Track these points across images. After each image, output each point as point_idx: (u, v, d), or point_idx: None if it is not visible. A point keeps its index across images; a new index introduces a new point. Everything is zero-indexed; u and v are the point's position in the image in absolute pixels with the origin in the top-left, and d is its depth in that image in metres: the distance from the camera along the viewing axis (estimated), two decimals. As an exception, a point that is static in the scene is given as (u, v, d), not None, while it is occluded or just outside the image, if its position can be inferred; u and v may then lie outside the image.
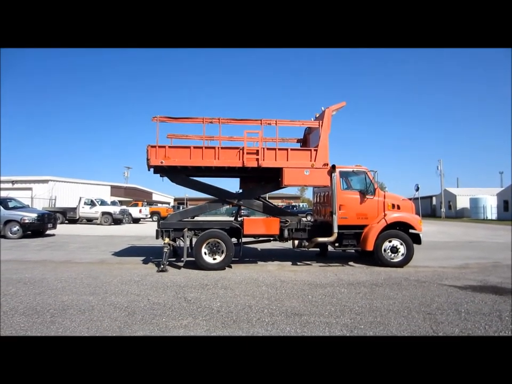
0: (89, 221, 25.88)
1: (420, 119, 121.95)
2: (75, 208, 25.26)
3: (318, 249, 9.71)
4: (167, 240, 7.98)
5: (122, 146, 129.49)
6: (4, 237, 14.03)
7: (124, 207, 28.70)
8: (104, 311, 4.62)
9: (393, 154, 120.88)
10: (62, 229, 18.42)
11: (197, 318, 4.38)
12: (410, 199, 8.87)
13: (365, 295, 5.57)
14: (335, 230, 8.09)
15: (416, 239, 8.39)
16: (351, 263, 8.73)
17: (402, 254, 8.17)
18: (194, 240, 8.12)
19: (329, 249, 9.79)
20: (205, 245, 7.82)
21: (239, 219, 8.92)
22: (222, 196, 8.78)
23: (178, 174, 8.56)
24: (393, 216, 8.32)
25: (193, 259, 7.83)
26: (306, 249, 8.93)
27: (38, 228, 15.02)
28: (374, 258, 8.32)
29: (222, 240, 7.85)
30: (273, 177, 8.55)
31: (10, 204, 15.64)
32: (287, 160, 8.02)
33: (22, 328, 3.94)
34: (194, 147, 7.93)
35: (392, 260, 8.16)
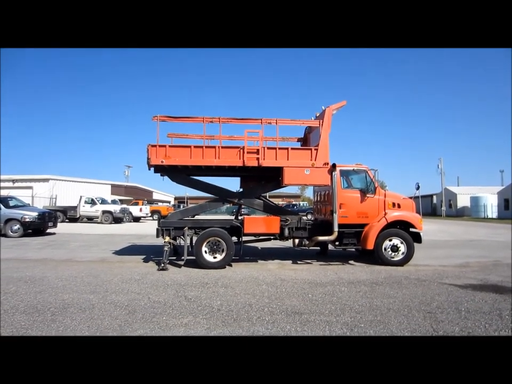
0: (90, 219, 25.91)
1: (420, 118, 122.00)
2: (76, 207, 25.29)
3: (318, 248, 9.70)
4: (167, 238, 7.99)
5: (122, 145, 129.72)
6: (5, 235, 14.05)
7: (125, 205, 28.68)
8: (105, 310, 4.63)
9: (394, 153, 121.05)
10: (63, 228, 18.44)
11: (197, 317, 4.39)
12: (410, 197, 8.87)
13: (365, 293, 5.58)
14: (336, 228, 8.09)
15: (417, 237, 8.38)
16: (351, 261, 8.74)
17: (403, 253, 8.17)
18: (194, 238, 8.13)
19: (329, 248, 9.79)
20: (205, 243, 7.83)
21: (240, 218, 8.93)
22: (222, 195, 8.78)
23: (179, 173, 8.56)
24: (394, 215, 8.32)
25: (194, 258, 7.84)
26: (307, 248, 8.92)
27: (38, 226, 15.05)
28: (374, 257, 8.32)
29: (223, 238, 7.85)
30: (273, 177, 8.55)
31: (11, 203, 15.65)
32: (288, 160, 8.02)
33: (22, 327, 3.95)
34: (195, 146, 7.93)
35: (392, 259, 8.16)
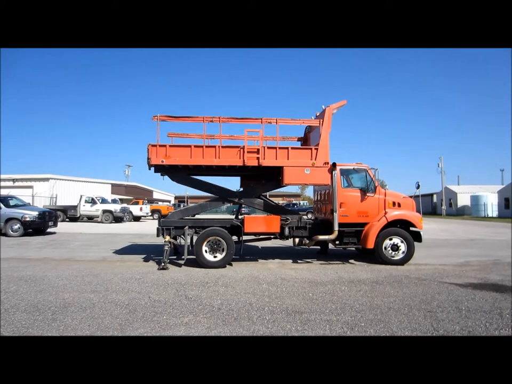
0: (90, 219, 25.94)
1: (420, 117, 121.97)
2: (76, 206, 25.31)
3: (318, 247, 9.71)
4: (167, 238, 7.99)
5: (123, 144, 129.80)
6: (5, 235, 14.06)
7: (125, 205, 28.71)
8: (105, 309, 4.63)
9: (394, 152, 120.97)
10: (63, 227, 18.46)
11: (198, 316, 4.39)
12: (411, 196, 8.86)
13: (365, 293, 5.58)
14: (336, 227, 8.10)
15: (417, 236, 8.38)
16: (351, 261, 8.74)
17: (403, 252, 8.17)
18: (195, 238, 8.13)
19: (329, 247, 9.79)
20: (205, 243, 7.83)
21: (240, 217, 8.93)
22: (222, 194, 8.78)
23: (179, 173, 8.56)
24: (394, 214, 8.32)
25: (194, 257, 7.85)
26: (307, 247, 8.94)
27: (39, 226, 15.05)
28: (374, 256, 8.32)
29: (223, 238, 7.86)
30: (273, 176, 8.55)
31: (11, 202, 15.66)
32: (288, 159, 8.01)
33: (23, 326, 3.96)
34: (195, 146, 7.93)
35: (392, 258, 8.16)
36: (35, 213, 14.86)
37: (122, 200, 32.97)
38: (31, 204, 20.95)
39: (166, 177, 8.61)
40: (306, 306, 4.83)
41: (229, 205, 10.77)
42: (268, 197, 10.45)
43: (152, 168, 8.22)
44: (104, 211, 24.80)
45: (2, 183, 29.04)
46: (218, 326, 4.03)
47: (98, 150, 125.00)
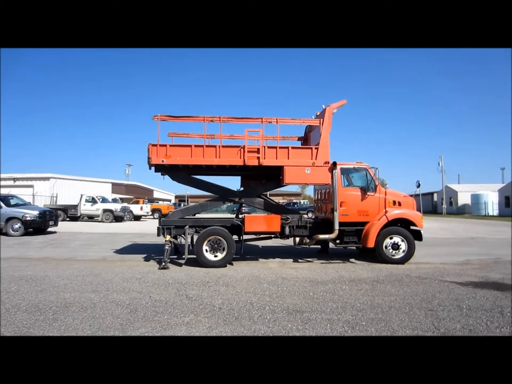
0: (91, 218, 25.95)
1: (420, 117, 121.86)
2: (76, 206, 25.32)
3: (319, 246, 9.72)
4: (168, 237, 7.99)
5: (123, 144, 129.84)
6: (6, 234, 14.08)
7: (125, 204, 28.73)
8: (106, 309, 4.64)
9: (395, 151, 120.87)
10: (64, 226, 18.48)
11: (199, 315, 4.40)
12: (411, 195, 8.86)
13: (366, 291, 5.58)
14: (336, 227, 8.09)
15: (418, 235, 8.38)
16: (352, 260, 8.75)
17: (404, 251, 8.17)
18: (195, 237, 8.13)
19: (330, 246, 9.80)
20: (206, 242, 7.83)
21: (240, 216, 8.93)
22: (223, 194, 8.78)
23: (180, 173, 8.56)
24: (394, 213, 8.32)
25: (195, 256, 7.85)
26: (308, 246, 8.93)
27: (39, 225, 15.08)
28: (375, 255, 8.32)
29: (223, 237, 7.86)
30: (274, 175, 8.54)
31: (12, 201, 15.67)
32: (288, 159, 8.01)
33: (24, 326, 3.97)
34: (195, 146, 7.92)
35: (393, 257, 8.16)
36: (36, 212, 14.87)
37: (122, 200, 32.99)
38: (32, 203, 20.96)
39: (167, 176, 8.61)
40: (307, 305, 4.84)
41: (229, 204, 10.75)
42: (268, 196, 10.46)
43: (153, 168, 8.22)
44: (105, 210, 24.82)
45: (3, 182, 29.06)
46: (219, 326, 4.03)
47: (99, 149, 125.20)
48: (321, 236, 8.31)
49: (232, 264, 8.00)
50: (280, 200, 48.22)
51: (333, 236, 8.18)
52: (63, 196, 32.28)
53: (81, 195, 25.81)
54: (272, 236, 8.69)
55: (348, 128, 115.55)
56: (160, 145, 7.85)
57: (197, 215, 9.58)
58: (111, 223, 23.90)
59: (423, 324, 4.06)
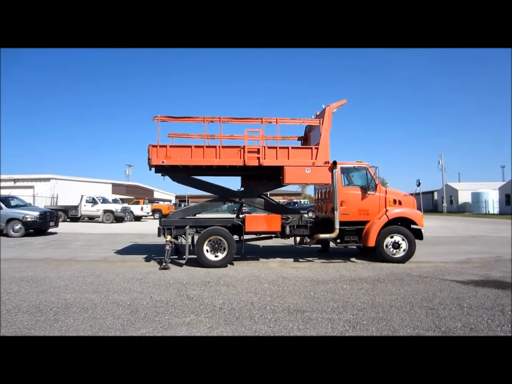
0: (91, 219, 25.95)
1: (420, 117, 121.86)
2: (77, 206, 25.32)
3: (319, 245, 9.72)
4: (169, 237, 7.98)
5: (123, 144, 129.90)
6: (6, 235, 14.08)
7: (126, 204, 28.72)
8: (107, 309, 4.64)
9: (395, 150, 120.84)
10: (64, 227, 18.48)
11: (200, 315, 4.40)
12: (411, 194, 8.86)
13: (367, 291, 5.58)
14: (337, 226, 8.09)
15: (418, 234, 8.39)
16: (353, 259, 8.75)
17: (404, 250, 8.17)
18: (196, 237, 8.13)
19: (331, 246, 9.79)
20: (206, 242, 7.83)
21: (241, 216, 8.93)
22: (223, 194, 8.78)
23: (180, 173, 8.56)
24: (395, 211, 8.32)
25: (195, 257, 7.85)
26: (308, 245, 8.93)
27: (40, 226, 15.07)
28: (375, 254, 8.32)
29: (224, 237, 7.86)
30: (274, 175, 8.54)
31: (13, 202, 15.69)
32: (288, 159, 8.00)
33: (25, 327, 3.97)
34: (196, 146, 7.92)
35: (394, 256, 8.16)
36: (36, 213, 14.87)
37: (123, 200, 32.97)
38: (32, 204, 20.96)
39: (167, 177, 8.62)
40: (308, 305, 4.84)
41: (230, 204, 10.75)
42: (268, 195, 10.46)
43: (153, 169, 8.22)
44: (105, 211, 24.81)
45: (3, 183, 29.07)
46: (220, 326, 4.03)
47: (99, 150, 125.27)
48: (322, 235, 8.31)
49: (232, 264, 8.00)
50: (281, 199, 48.20)
51: (333, 235, 8.18)
52: (63, 197, 32.30)
53: (82, 196, 25.80)
54: (273, 235, 8.69)
55: (348, 127, 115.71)
56: (160, 146, 7.85)
57: (198, 215, 9.59)
58: (111, 223, 23.90)
59: (424, 323, 4.06)
